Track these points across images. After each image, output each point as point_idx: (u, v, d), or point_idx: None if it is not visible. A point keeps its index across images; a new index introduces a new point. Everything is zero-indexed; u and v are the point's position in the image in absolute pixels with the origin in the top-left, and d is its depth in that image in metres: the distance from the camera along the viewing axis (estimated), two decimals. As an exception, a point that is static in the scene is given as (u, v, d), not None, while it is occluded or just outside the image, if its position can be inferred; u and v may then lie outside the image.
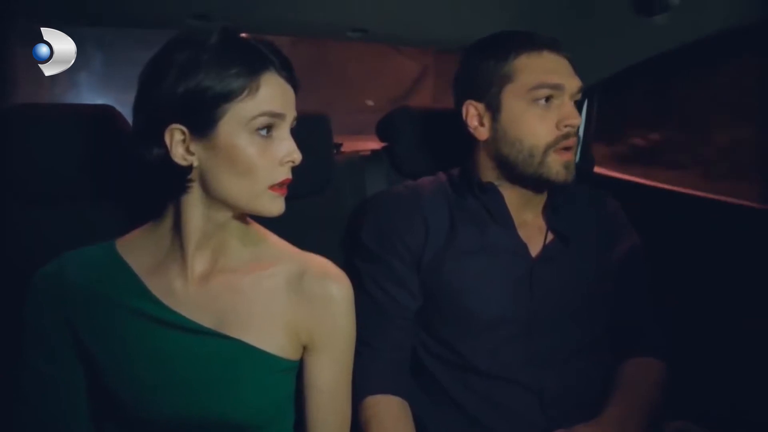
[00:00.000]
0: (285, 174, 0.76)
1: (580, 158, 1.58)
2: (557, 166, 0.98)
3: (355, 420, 0.92)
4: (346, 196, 1.24)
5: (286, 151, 0.76)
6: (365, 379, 0.95)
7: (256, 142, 0.74)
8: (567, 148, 0.98)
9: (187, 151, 0.74)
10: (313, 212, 1.17)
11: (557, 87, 0.98)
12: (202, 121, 0.72)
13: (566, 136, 0.97)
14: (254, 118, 0.73)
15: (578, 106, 1.52)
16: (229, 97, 0.72)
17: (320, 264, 0.84)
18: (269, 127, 0.75)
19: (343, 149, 1.40)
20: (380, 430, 0.93)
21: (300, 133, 1.11)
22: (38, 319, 0.78)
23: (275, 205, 0.77)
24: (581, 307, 1.01)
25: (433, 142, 1.27)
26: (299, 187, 1.13)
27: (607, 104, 1.56)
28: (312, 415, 0.84)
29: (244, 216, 0.82)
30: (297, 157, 0.76)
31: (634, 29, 1.24)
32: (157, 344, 0.77)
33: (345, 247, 1.15)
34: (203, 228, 0.79)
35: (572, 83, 0.99)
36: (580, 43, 1.32)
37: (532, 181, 1.01)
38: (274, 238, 0.87)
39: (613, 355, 1.05)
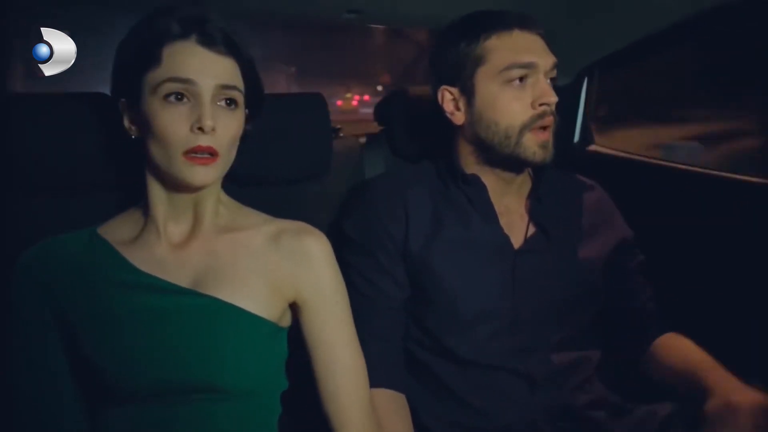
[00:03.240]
0: (197, 141, 0.76)
1: (580, 137, 1.57)
2: (534, 146, 0.97)
3: None
4: (345, 181, 1.22)
5: (195, 117, 0.76)
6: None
7: (167, 109, 0.76)
8: (543, 128, 0.97)
9: (131, 122, 0.81)
10: (311, 197, 1.16)
11: (529, 66, 0.96)
12: (131, 93, 0.78)
13: (542, 115, 0.96)
14: (160, 84, 0.76)
15: (578, 84, 1.52)
16: (141, 68, 0.77)
17: (296, 224, 0.88)
18: (179, 95, 0.76)
19: (341, 133, 1.39)
20: None
21: (294, 114, 1.11)
22: (21, 300, 0.80)
23: (192, 174, 0.77)
24: (566, 299, 1.00)
25: (430, 124, 1.26)
26: (297, 171, 1.14)
27: (607, 82, 1.54)
28: (325, 371, 0.85)
29: (214, 193, 0.85)
30: (206, 123, 0.75)
31: (634, 5, 1.23)
32: (137, 310, 0.79)
33: (333, 238, 1.14)
34: (167, 200, 0.83)
35: (545, 60, 0.97)
36: (579, 20, 1.30)
37: (510, 163, 1.01)
38: (248, 209, 0.90)
39: (604, 341, 1.05)
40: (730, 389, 0.84)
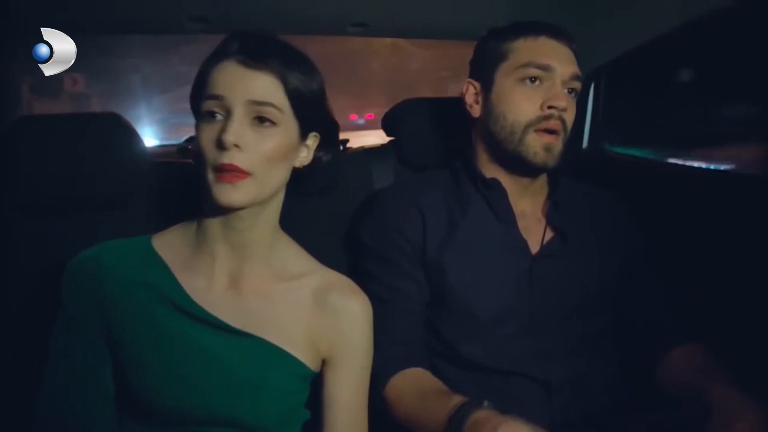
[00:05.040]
0: (222, 158, 0.74)
1: (589, 141, 1.56)
2: (536, 146, 0.98)
3: (383, 409, 0.92)
4: (354, 193, 1.22)
5: (219, 132, 0.74)
6: (382, 367, 0.93)
7: (203, 126, 0.77)
8: (549, 131, 0.99)
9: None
10: (321, 211, 1.16)
11: (546, 68, 0.99)
12: (195, 108, 0.80)
13: (548, 117, 0.98)
14: (202, 101, 0.77)
15: (585, 88, 1.52)
16: (199, 86, 0.79)
17: (345, 282, 0.88)
18: (213, 112, 0.76)
19: (348, 145, 1.39)
20: (407, 401, 0.92)
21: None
22: (73, 300, 0.79)
23: (218, 192, 0.74)
24: (583, 303, 1.00)
25: (438, 132, 1.26)
26: (306, 186, 1.14)
27: (616, 85, 1.53)
28: (330, 427, 0.85)
29: (268, 225, 0.84)
30: (226, 138, 0.73)
31: (641, 6, 1.22)
32: (184, 338, 0.78)
33: (348, 248, 1.14)
34: (221, 227, 0.81)
35: (564, 68, 0.99)
36: (585, 22, 1.30)
37: (514, 162, 1.02)
38: (301, 253, 0.89)
39: (619, 346, 1.04)
40: (732, 409, 0.83)
